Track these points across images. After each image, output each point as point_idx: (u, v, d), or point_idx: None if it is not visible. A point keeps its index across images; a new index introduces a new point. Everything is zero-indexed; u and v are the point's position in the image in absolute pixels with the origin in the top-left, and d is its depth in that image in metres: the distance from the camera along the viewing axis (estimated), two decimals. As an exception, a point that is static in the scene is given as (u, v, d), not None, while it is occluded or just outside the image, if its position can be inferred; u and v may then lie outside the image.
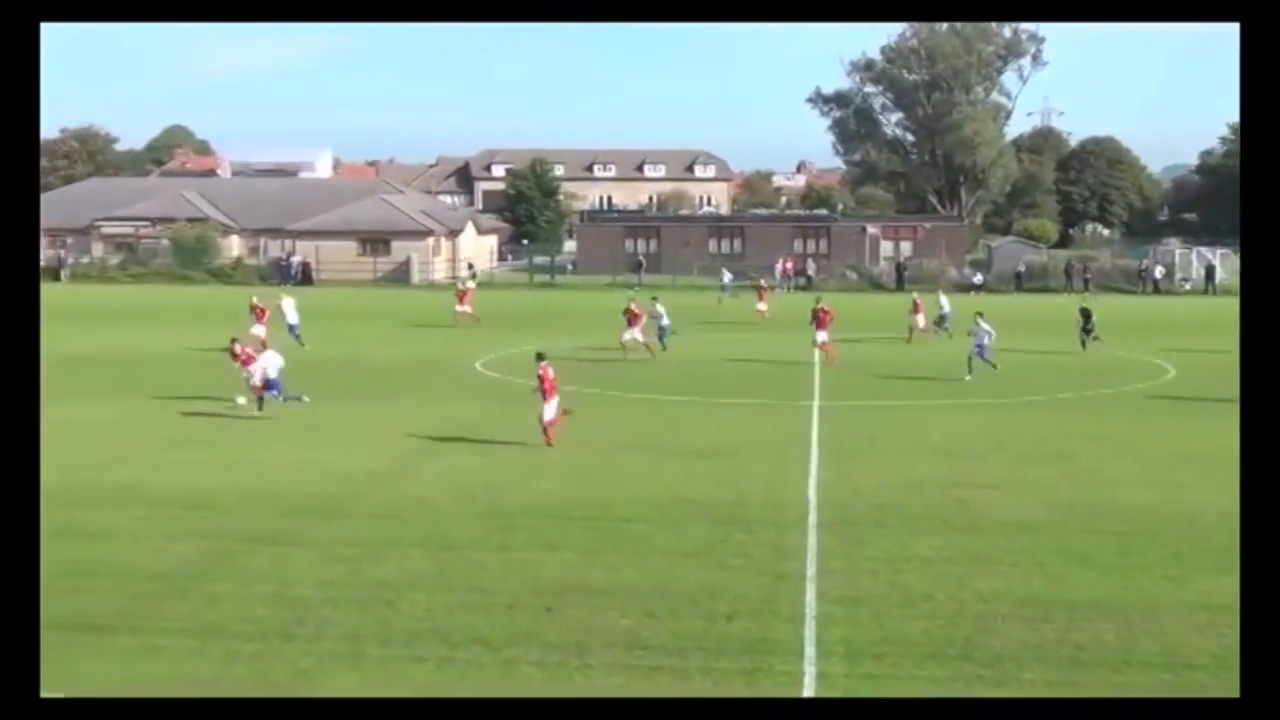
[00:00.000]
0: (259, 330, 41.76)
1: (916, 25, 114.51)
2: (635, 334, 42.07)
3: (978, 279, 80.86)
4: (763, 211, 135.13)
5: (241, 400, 30.18)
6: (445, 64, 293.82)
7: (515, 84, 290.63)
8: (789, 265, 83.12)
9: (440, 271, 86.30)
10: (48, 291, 69.72)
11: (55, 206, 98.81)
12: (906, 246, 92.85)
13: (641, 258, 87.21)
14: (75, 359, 40.81)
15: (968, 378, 36.86)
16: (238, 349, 31.38)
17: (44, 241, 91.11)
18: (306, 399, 30.26)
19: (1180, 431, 29.58)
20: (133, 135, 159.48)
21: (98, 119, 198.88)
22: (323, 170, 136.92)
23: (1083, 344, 44.87)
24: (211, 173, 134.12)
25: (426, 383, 37.67)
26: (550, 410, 26.63)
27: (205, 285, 79.70)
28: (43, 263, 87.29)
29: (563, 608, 16.35)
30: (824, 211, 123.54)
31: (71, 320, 53.51)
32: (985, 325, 37.79)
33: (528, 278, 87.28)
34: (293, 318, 45.91)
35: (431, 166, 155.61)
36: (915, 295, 52.39)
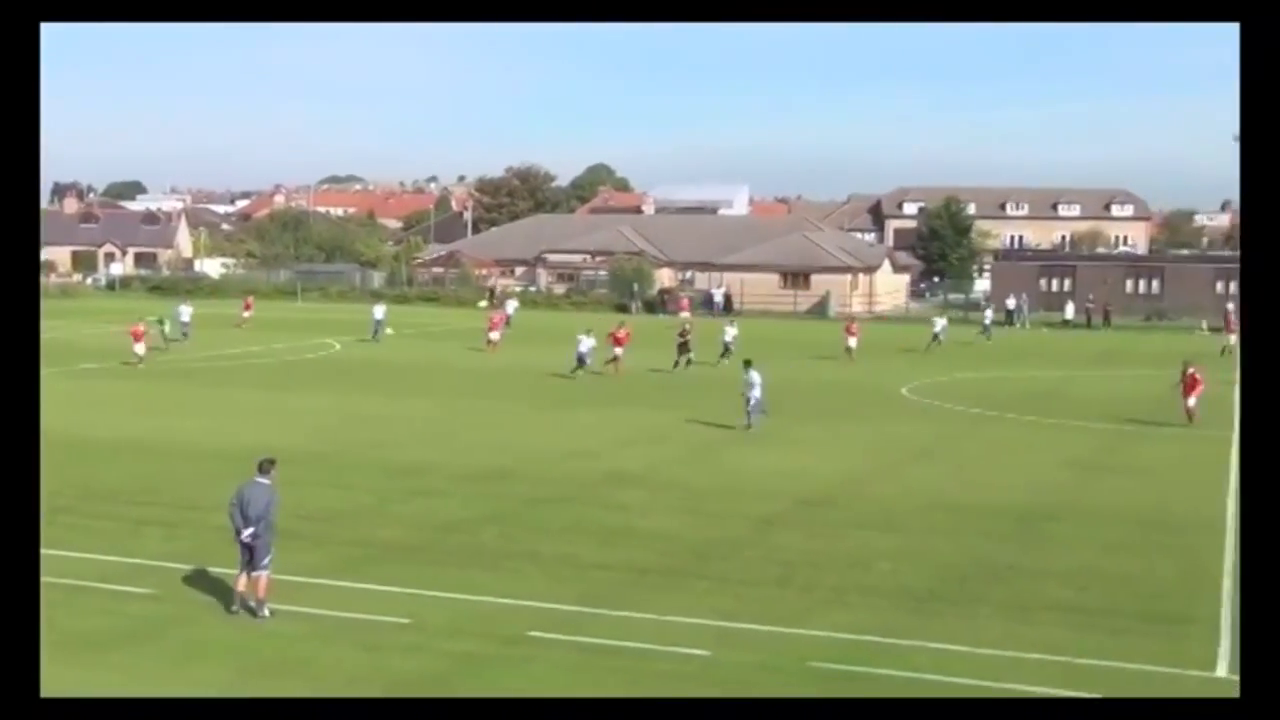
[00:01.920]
0: (140, 348, 47.62)
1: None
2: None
3: None
4: (1184, 252, 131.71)
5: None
6: (854, 102, 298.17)
7: (926, 122, 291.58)
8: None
9: (858, 305, 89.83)
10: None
11: (508, 240, 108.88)
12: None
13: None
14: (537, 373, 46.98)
15: (749, 425, 34.09)
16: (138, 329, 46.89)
17: (497, 271, 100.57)
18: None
19: None
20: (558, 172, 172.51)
21: (533, 157, 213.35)
22: (740, 207, 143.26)
23: None
24: (636, 210, 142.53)
25: (859, 404, 41.27)
26: None
27: (635, 315, 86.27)
28: (496, 289, 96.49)
29: (1007, 579, 19.72)
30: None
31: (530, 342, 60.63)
32: (754, 377, 34.41)
33: (942, 313, 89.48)
34: (379, 315, 61.55)
35: (843, 204, 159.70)
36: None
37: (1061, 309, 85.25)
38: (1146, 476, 28.77)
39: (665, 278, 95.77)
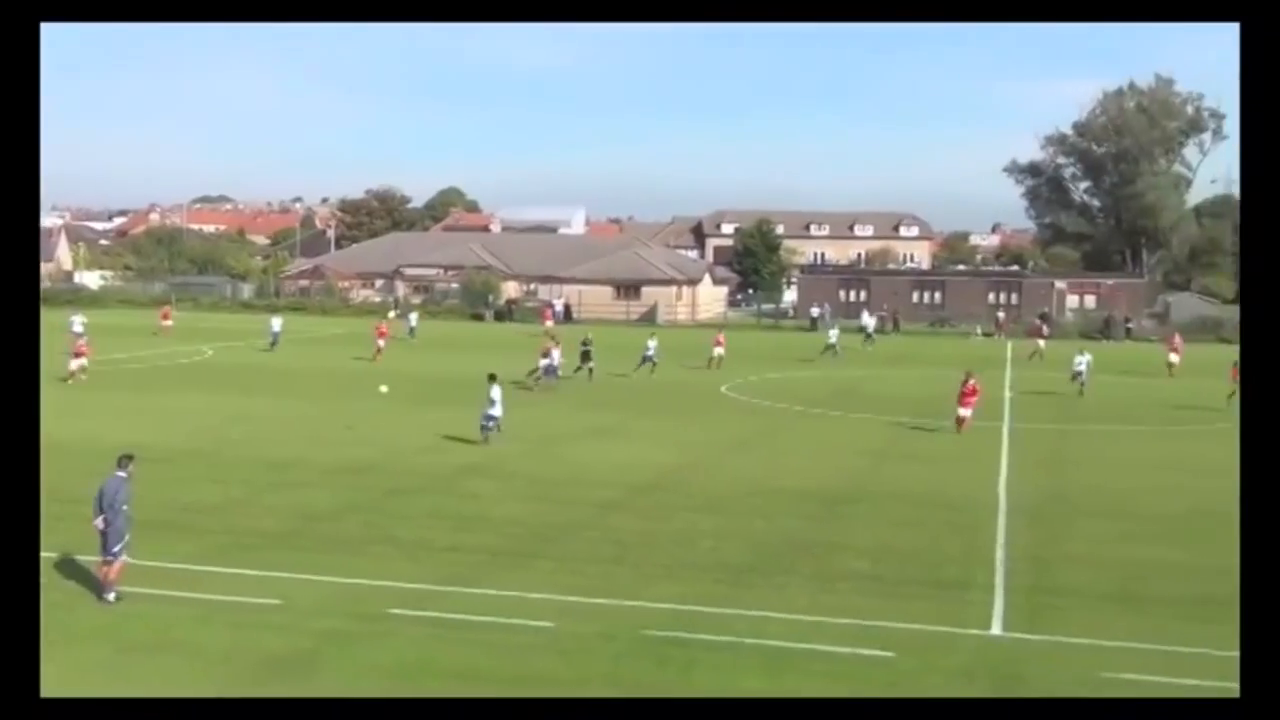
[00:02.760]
0: (83, 362, 42.48)
1: (1105, 103, 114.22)
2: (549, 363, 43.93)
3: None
4: (960, 268, 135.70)
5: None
6: (677, 132, 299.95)
7: (740, 152, 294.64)
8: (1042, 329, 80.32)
9: (682, 314, 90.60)
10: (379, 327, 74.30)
11: (368, 255, 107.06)
12: (1090, 300, 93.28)
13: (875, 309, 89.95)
14: (431, 378, 46.28)
15: (484, 440, 30.26)
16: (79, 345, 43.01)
17: (358, 283, 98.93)
18: None
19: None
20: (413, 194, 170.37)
21: (391, 180, 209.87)
22: (577, 226, 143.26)
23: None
24: (485, 228, 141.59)
25: (689, 402, 41.59)
26: None
27: (489, 324, 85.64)
28: (359, 300, 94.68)
29: (813, 553, 20.07)
30: (1016, 268, 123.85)
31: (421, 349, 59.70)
32: (495, 393, 30.51)
33: (756, 321, 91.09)
34: (276, 328, 58.52)
35: (669, 224, 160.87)
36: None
37: (859, 317, 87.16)
38: (931, 463, 29.53)
39: (511, 289, 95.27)
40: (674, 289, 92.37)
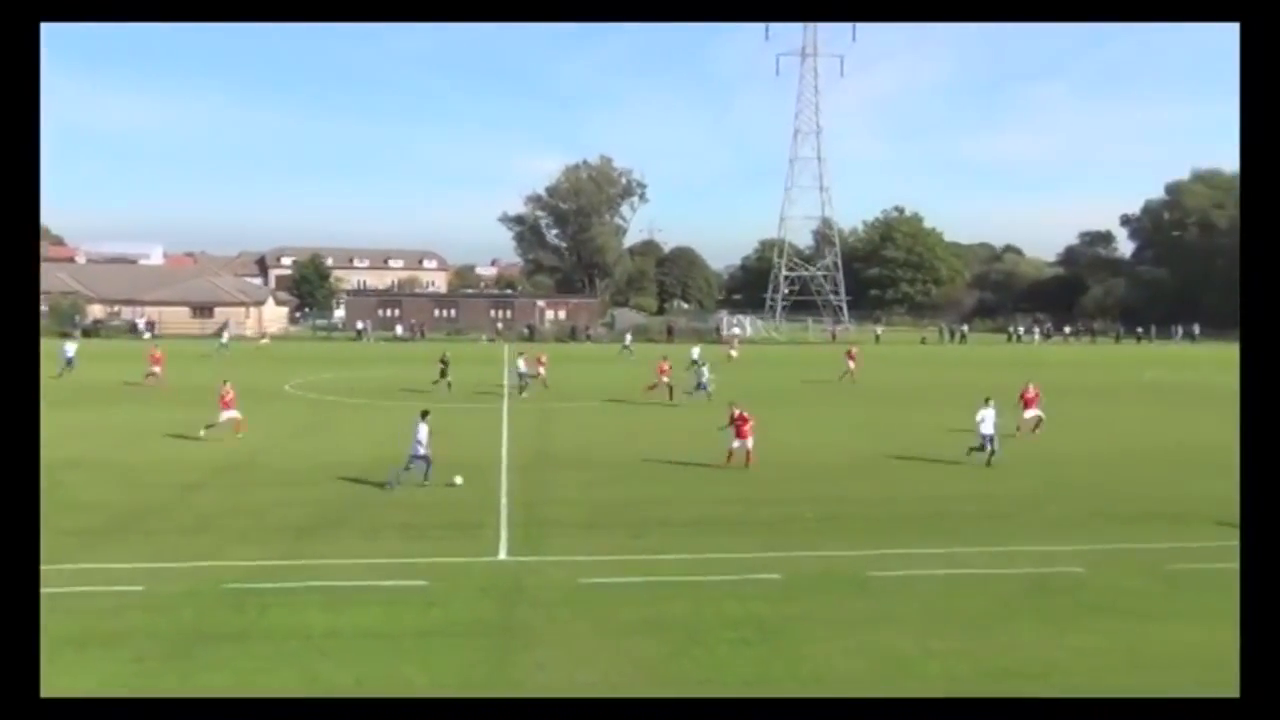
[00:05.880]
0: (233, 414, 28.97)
1: (568, 174, 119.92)
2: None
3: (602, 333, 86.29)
4: (469, 291, 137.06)
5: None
6: (241, 182, 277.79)
7: (294, 201, 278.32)
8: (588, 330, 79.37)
9: (250, 330, 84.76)
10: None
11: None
12: (563, 314, 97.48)
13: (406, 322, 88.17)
14: None
15: None
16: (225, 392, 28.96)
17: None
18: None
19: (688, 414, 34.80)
20: None
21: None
22: (156, 259, 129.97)
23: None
24: (70, 259, 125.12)
25: (261, 398, 38.86)
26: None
27: (76, 340, 75.60)
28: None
29: (366, 509, 19.47)
30: (510, 291, 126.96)
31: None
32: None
33: (312, 333, 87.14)
34: (70, 353, 45.81)
35: (236, 257, 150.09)
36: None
37: (394, 329, 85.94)
38: (454, 436, 29.23)
39: (97, 311, 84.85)
40: (243, 309, 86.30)
